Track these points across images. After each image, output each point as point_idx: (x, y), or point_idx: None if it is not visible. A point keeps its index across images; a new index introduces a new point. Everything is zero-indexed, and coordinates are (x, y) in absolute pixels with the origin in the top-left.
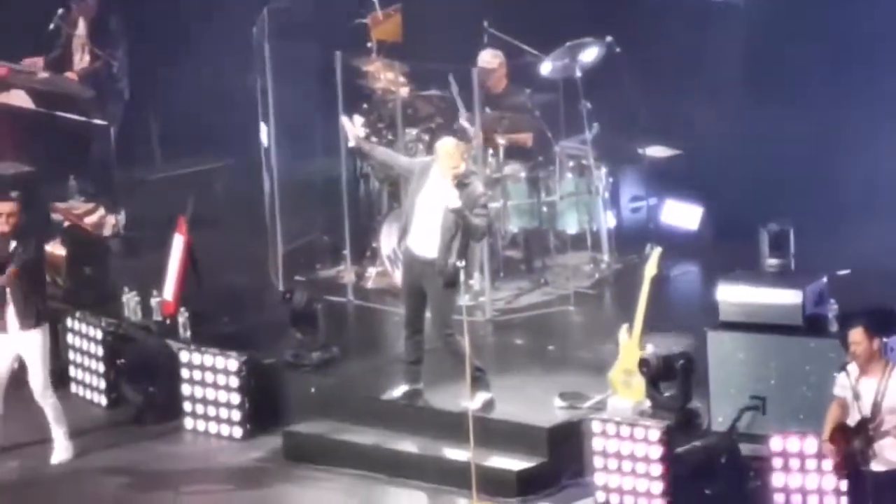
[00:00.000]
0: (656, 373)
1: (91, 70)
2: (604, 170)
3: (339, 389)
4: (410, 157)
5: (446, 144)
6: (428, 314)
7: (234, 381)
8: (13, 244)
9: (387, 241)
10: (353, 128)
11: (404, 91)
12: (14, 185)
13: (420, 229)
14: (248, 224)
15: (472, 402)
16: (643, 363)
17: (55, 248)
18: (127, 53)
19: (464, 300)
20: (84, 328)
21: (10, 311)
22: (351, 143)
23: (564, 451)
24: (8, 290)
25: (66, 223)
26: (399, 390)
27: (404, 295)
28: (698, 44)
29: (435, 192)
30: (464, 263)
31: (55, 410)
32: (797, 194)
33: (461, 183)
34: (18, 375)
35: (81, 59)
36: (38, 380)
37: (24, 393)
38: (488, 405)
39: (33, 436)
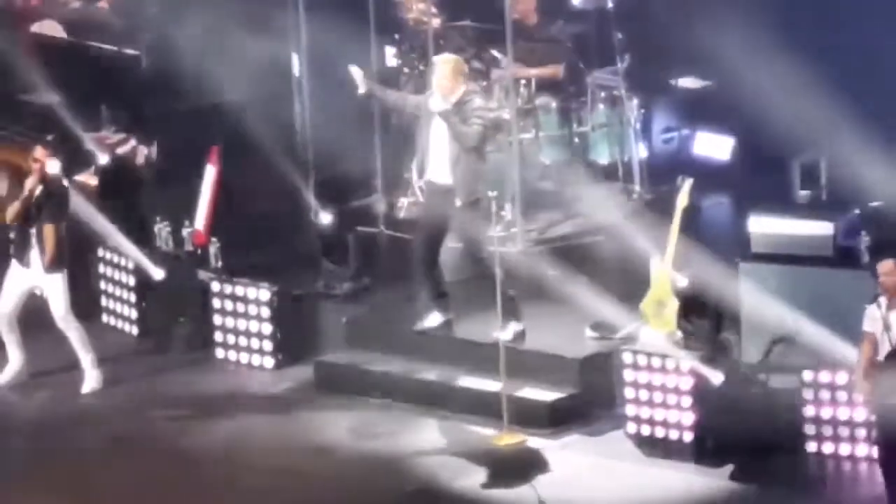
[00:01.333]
0: (688, 304)
1: None
2: (635, 101)
3: (370, 319)
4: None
5: (439, 61)
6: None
7: (266, 312)
8: (41, 188)
9: (418, 171)
10: (360, 74)
11: (436, 21)
12: (45, 115)
13: (437, 159)
14: (280, 155)
15: (502, 333)
16: (675, 294)
17: (87, 178)
18: None
19: (495, 231)
20: (115, 258)
21: (34, 253)
22: (361, 90)
23: (596, 382)
24: (33, 233)
25: (99, 153)
26: (430, 321)
27: (421, 230)
28: None
29: (434, 123)
30: (495, 193)
31: (80, 338)
32: (830, 125)
33: (460, 101)
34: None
35: None
36: (59, 312)
37: (50, 321)
38: (519, 336)
39: (62, 363)
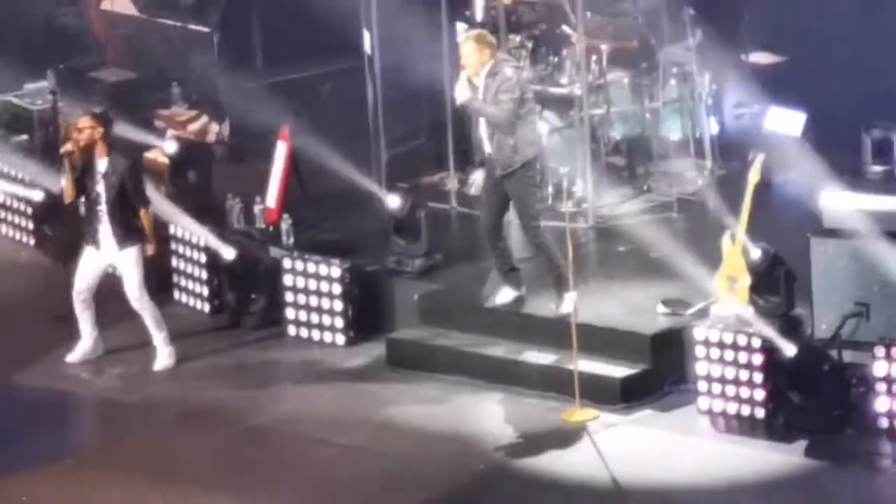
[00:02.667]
0: (759, 280)
1: None
2: (707, 76)
3: (442, 296)
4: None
5: (463, 38)
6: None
7: (337, 288)
8: (105, 162)
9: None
10: (466, 84)
11: None
12: (116, 92)
13: (488, 133)
14: (352, 131)
15: (561, 306)
16: (747, 270)
17: (158, 156)
18: None
19: (567, 207)
20: (187, 235)
21: (105, 230)
22: (459, 101)
23: (667, 357)
24: (104, 210)
25: (170, 130)
26: (501, 297)
27: (483, 202)
28: None
29: (481, 91)
30: (566, 168)
31: (153, 316)
32: None
33: (491, 72)
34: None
35: None
36: (133, 289)
37: (123, 297)
38: (573, 302)
39: (134, 341)
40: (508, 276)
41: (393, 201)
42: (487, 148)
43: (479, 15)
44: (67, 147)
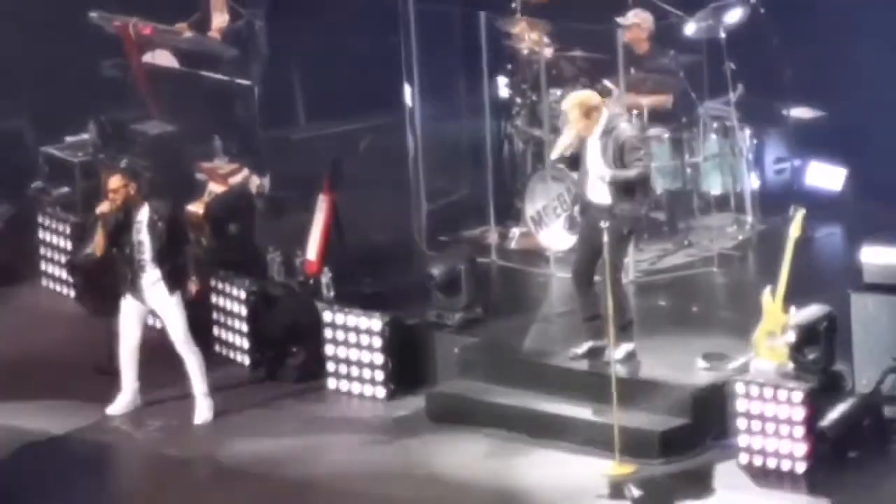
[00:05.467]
0: (800, 335)
1: (231, 28)
2: (748, 131)
3: (483, 350)
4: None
5: (566, 100)
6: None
7: (378, 342)
8: (146, 210)
9: (530, 202)
10: (568, 142)
11: (548, 51)
12: (158, 145)
13: (594, 182)
14: (392, 184)
15: (616, 353)
16: (786, 327)
17: (199, 208)
18: (267, 12)
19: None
20: (227, 288)
21: (147, 279)
22: (557, 156)
23: (708, 412)
24: (146, 258)
25: (210, 183)
26: (582, 347)
27: (578, 245)
28: (842, 4)
29: (591, 147)
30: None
31: (197, 364)
32: None
33: (606, 130)
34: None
35: (221, 19)
36: (178, 336)
37: (165, 348)
38: (630, 356)
39: (174, 393)
40: (590, 324)
41: (435, 268)
42: (590, 195)
43: (520, 68)
44: (103, 209)
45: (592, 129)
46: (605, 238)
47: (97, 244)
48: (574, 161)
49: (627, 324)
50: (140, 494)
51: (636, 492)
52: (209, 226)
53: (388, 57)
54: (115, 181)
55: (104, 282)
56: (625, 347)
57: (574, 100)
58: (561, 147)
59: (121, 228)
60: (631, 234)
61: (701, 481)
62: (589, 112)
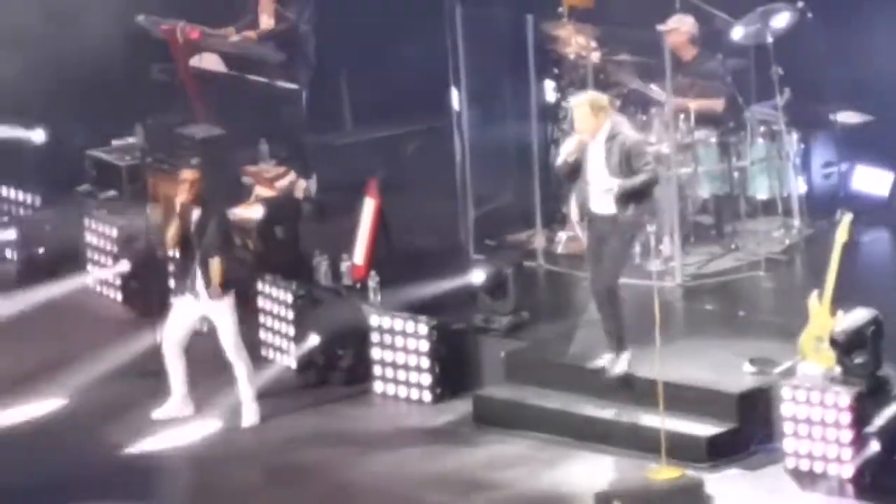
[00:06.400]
0: (847, 340)
1: (277, 32)
2: (795, 135)
3: (529, 354)
4: None
5: (573, 102)
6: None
7: (424, 346)
8: (197, 212)
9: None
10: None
11: (595, 56)
12: (205, 148)
13: (596, 191)
14: (439, 188)
15: (617, 365)
16: (833, 336)
17: (245, 213)
18: (315, 15)
19: (654, 265)
20: (274, 292)
21: (199, 282)
22: (571, 159)
23: (754, 416)
24: (195, 261)
25: (257, 186)
26: (604, 359)
27: (588, 260)
28: (888, 8)
29: (594, 154)
30: (654, 227)
31: (247, 371)
32: None
33: (611, 136)
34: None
35: (268, 22)
36: (229, 342)
37: (211, 352)
38: (630, 364)
39: (221, 397)
40: (614, 335)
41: (478, 275)
42: (594, 207)
43: (567, 72)
44: (184, 199)
45: (598, 131)
46: (608, 247)
47: (171, 239)
48: (573, 171)
49: (622, 335)
50: (187, 499)
51: None
52: (256, 230)
53: (435, 61)
54: (190, 173)
55: (152, 283)
56: (623, 359)
57: (583, 97)
58: (564, 154)
59: (184, 227)
60: (633, 240)
61: (747, 486)
62: (597, 112)
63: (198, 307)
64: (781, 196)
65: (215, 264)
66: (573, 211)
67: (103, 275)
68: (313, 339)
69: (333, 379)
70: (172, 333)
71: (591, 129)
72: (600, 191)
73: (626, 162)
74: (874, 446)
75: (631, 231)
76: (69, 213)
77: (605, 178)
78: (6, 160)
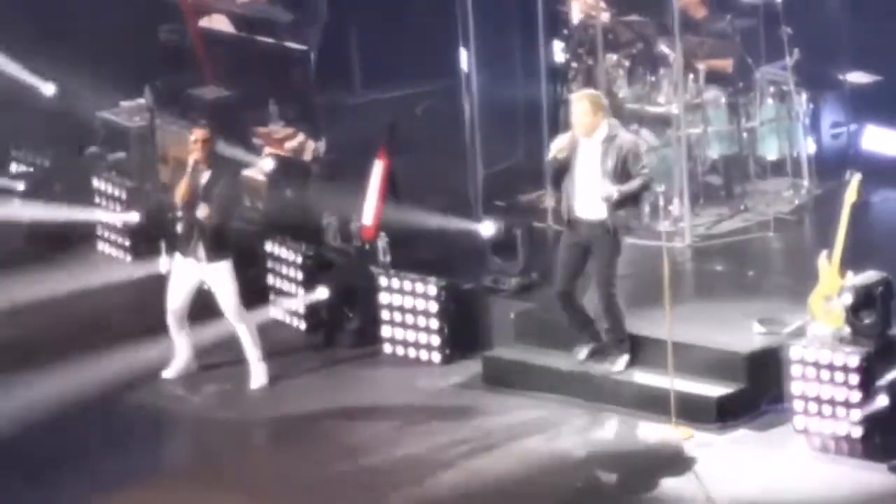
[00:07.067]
0: (856, 300)
1: None
2: (804, 95)
3: (539, 314)
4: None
5: (575, 98)
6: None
7: (433, 307)
8: (207, 174)
9: None
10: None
11: (605, 16)
12: (214, 110)
13: (585, 195)
14: (448, 149)
15: (616, 364)
16: (842, 291)
17: (256, 174)
18: None
19: (663, 226)
20: (283, 253)
21: (200, 244)
22: (561, 156)
23: (763, 377)
24: (198, 223)
25: (266, 148)
26: (583, 352)
27: (562, 265)
28: None
29: (587, 155)
30: (663, 187)
31: (250, 331)
32: None
33: (608, 137)
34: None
35: None
36: (229, 307)
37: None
38: (628, 364)
39: (229, 358)
40: (586, 329)
41: (487, 228)
42: (579, 212)
43: (576, 33)
44: (197, 156)
45: (594, 130)
46: (599, 253)
47: (182, 190)
48: (562, 169)
49: (625, 338)
50: (195, 458)
51: None
52: (265, 190)
53: (444, 21)
54: (200, 132)
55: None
56: (623, 359)
57: (584, 93)
58: (556, 149)
59: (193, 186)
60: (621, 245)
61: (756, 446)
62: (597, 109)
63: (197, 270)
64: (791, 156)
65: (214, 222)
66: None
67: (111, 219)
68: (321, 294)
69: (342, 340)
70: (175, 296)
71: (588, 127)
72: (590, 194)
73: (623, 165)
74: (883, 401)
75: (619, 236)
76: (78, 175)
77: (597, 181)
78: (16, 122)
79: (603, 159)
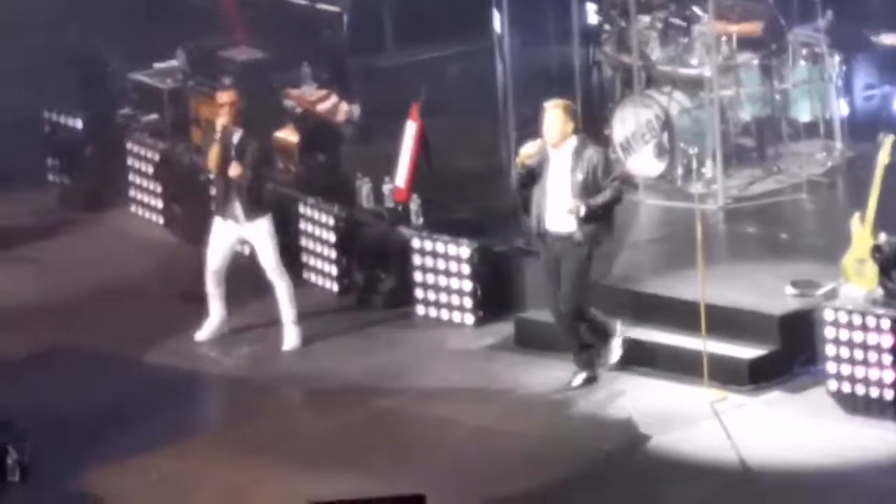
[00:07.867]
0: (889, 261)
1: None
2: (837, 57)
3: None
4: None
5: (550, 106)
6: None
7: (466, 268)
8: (239, 134)
9: (619, 128)
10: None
11: None
12: (246, 72)
13: (554, 208)
14: (481, 111)
15: (611, 355)
16: (876, 250)
17: (288, 135)
18: None
19: (696, 188)
20: (316, 214)
21: (236, 204)
22: (530, 161)
23: (796, 339)
24: (234, 183)
25: (299, 109)
26: (577, 378)
27: (545, 281)
28: None
29: (557, 167)
30: (696, 149)
31: (287, 291)
32: None
33: (578, 149)
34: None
35: None
36: (270, 263)
37: (252, 276)
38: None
39: (262, 320)
40: (581, 355)
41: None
42: (549, 224)
43: None
44: (224, 121)
45: (565, 140)
46: (567, 266)
47: (212, 159)
48: (528, 179)
49: (611, 333)
50: (228, 420)
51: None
52: (298, 153)
53: None
54: (227, 95)
55: (195, 207)
56: (615, 344)
57: (558, 101)
58: (524, 155)
59: (225, 148)
60: (592, 258)
61: (789, 408)
62: (570, 118)
63: (237, 230)
64: (823, 118)
65: (252, 180)
66: (616, 132)
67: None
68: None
69: (375, 302)
70: (214, 257)
71: (559, 135)
72: (559, 207)
73: (593, 177)
74: None
75: (589, 248)
76: (110, 137)
77: (566, 194)
78: (47, 84)
79: (573, 171)
